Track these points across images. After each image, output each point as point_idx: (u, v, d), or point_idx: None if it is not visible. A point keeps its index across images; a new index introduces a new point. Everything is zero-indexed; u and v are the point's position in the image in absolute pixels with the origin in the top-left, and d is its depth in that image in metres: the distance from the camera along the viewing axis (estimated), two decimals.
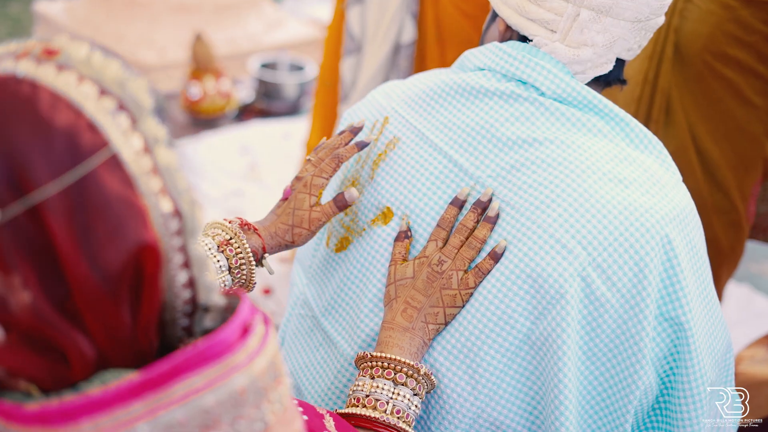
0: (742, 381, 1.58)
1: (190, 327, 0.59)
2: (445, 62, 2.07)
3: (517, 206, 0.96)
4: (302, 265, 1.21)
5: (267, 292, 2.82)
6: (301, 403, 0.87)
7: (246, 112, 4.20)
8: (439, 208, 1.02)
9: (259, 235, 1.04)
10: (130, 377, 0.52)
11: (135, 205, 0.53)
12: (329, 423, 0.86)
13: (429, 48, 2.11)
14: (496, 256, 0.96)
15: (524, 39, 1.03)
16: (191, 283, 0.58)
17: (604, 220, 0.92)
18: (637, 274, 0.92)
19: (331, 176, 1.06)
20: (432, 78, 1.10)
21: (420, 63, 2.15)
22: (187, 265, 0.57)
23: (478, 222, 0.99)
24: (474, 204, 0.99)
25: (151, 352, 0.56)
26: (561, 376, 0.92)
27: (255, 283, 1.06)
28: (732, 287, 2.93)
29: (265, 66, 4.27)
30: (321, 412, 0.87)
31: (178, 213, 0.56)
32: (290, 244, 1.06)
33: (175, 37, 4.50)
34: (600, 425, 0.97)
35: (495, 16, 1.09)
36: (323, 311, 1.12)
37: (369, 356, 0.97)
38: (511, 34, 1.05)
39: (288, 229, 1.05)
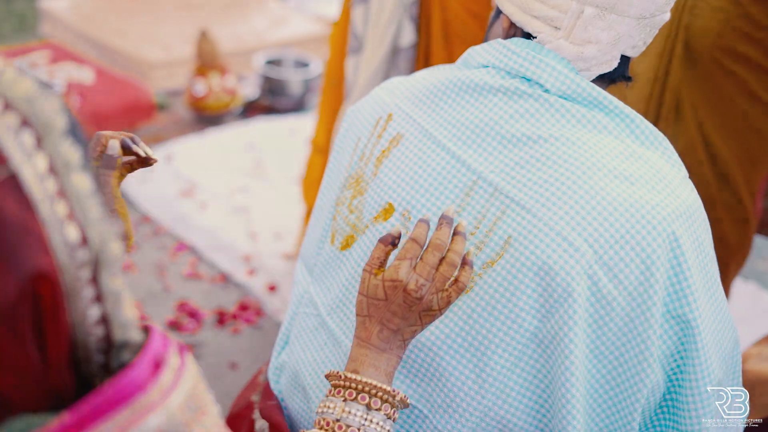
0: (748, 379, 1.58)
1: (107, 363, 0.55)
2: (452, 62, 2.06)
3: (523, 203, 0.95)
4: (306, 263, 1.21)
5: (272, 289, 2.82)
6: None
7: (251, 109, 4.20)
8: (441, 204, 1.01)
9: None
10: None
11: (32, 230, 0.48)
12: None
13: (435, 49, 2.10)
14: (470, 263, 0.93)
15: (528, 36, 1.02)
16: (104, 320, 0.53)
17: (610, 217, 0.92)
18: (644, 272, 0.91)
19: (96, 156, 1.02)
20: (436, 74, 1.10)
21: (425, 64, 2.14)
22: (99, 299, 0.52)
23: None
24: (442, 219, 0.94)
25: (66, 390, 0.52)
26: (568, 375, 0.92)
27: None
28: (739, 284, 2.92)
29: (270, 62, 4.27)
30: None
31: (86, 242, 0.51)
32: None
33: (180, 34, 4.50)
34: (608, 423, 0.96)
35: (499, 13, 1.09)
36: (329, 310, 1.12)
37: (343, 377, 0.93)
38: (515, 31, 1.04)
39: None
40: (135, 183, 3.42)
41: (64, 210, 0.50)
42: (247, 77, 4.43)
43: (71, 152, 0.51)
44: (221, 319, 2.70)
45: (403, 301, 0.91)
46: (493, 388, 0.97)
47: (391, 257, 1.01)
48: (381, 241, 0.94)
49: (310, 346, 1.14)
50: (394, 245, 0.94)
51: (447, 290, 0.92)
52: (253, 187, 3.50)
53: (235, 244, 3.06)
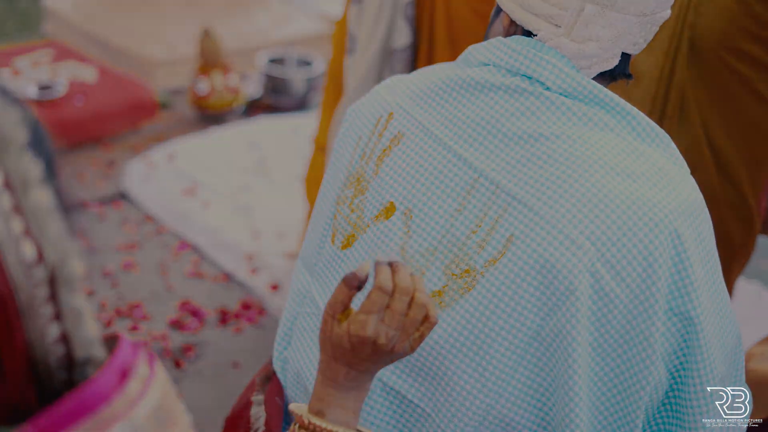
0: (751, 378, 1.57)
1: (71, 379, 0.53)
2: None
3: (525, 201, 0.95)
4: (306, 263, 1.20)
5: (275, 288, 2.82)
6: None
7: (254, 108, 4.20)
8: (442, 202, 1.01)
9: None
10: None
11: None
12: None
13: (439, 50, 2.08)
14: (434, 301, 0.88)
15: (529, 34, 1.02)
16: (65, 339, 0.52)
17: (612, 214, 0.92)
18: (646, 269, 0.91)
19: None
20: (437, 73, 1.10)
21: (428, 65, 2.12)
22: (58, 317, 0.51)
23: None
24: (396, 264, 0.87)
25: (28, 406, 0.51)
26: (571, 373, 0.92)
27: None
28: (742, 283, 2.92)
29: (272, 61, 4.27)
30: None
31: (43, 260, 0.50)
32: None
33: (183, 33, 4.50)
34: (611, 421, 0.96)
35: (499, 10, 1.09)
36: None
37: (307, 422, 0.87)
38: (515, 29, 1.04)
39: None
40: (137, 182, 3.42)
41: (20, 227, 0.49)
42: (250, 76, 4.43)
43: (30, 167, 0.50)
44: (223, 318, 2.70)
45: (372, 352, 0.86)
46: (495, 386, 0.96)
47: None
48: (345, 282, 0.86)
49: (312, 347, 1.14)
50: (360, 288, 0.86)
51: (419, 329, 0.86)
52: (255, 186, 3.50)
53: (237, 243, 3.06)
